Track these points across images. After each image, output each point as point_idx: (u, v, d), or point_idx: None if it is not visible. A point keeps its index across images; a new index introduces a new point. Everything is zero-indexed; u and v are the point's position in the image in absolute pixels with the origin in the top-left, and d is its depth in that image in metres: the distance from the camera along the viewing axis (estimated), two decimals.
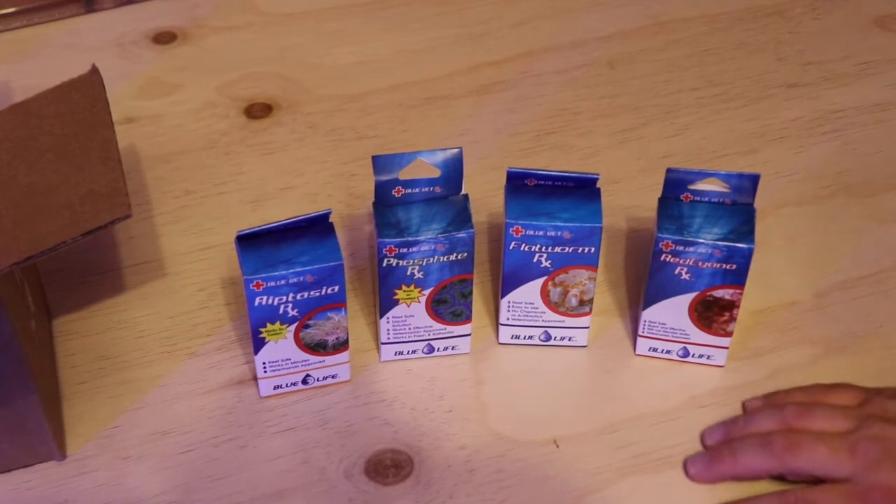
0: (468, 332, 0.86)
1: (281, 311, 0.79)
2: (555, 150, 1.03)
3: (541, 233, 0.81)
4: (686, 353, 0.86)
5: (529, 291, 0.84)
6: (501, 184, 0.83)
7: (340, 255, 0.78)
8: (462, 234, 0.80)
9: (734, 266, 0.80)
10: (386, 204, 0.82)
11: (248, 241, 0.78)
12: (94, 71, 0.82)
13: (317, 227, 0.79)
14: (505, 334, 0.87)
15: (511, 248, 0.82)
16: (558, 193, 0.82)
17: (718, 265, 0.80)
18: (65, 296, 0.91)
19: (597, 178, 0.82)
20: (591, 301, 0.85)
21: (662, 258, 0.81)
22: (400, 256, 0.80)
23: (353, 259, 0.93)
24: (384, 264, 0.81)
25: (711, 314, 0.83)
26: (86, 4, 1.17)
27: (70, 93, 0.81)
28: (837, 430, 0.77)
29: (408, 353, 0.86)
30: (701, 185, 0.81)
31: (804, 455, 0.76)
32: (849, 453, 0.75)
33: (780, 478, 0.78)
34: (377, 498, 0.79)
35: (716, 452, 0.79)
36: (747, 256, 0.80)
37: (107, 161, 0.76)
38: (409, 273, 0.81)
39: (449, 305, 0.84)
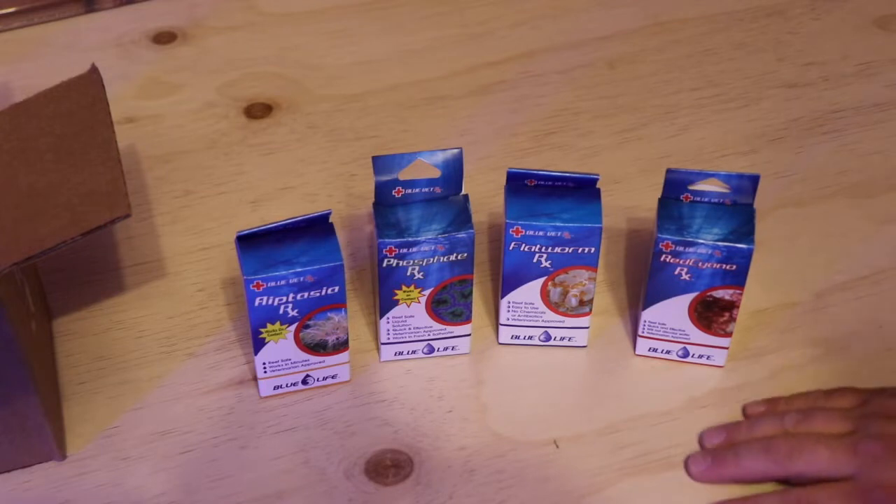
0: (468, 333, 0.86)
1: (281, 311, 0.79)
2: (555, 150, 1.03)
3: (541, 233, 0.81)
4: (686, 354, 0.86)
5: (529, 292, 0.84)
6: (501, 184, 0.83)
7: (340, 256, 0.78)
8: (462, 235, 0.80)
9: (734, 266, 0.80)
10: (386, 204, 0.82)
11: (248, 242, 0.78)
12: (94, 70, 0.82)
13: (317, 228, 0.79)
14: (505, 334, 0.87)
15: (511, 248, 0.82)
16: (558, 194, 0.82)
17: (718, 265, 0.80)
18: (65, 296, 0.91)
19: (597, 179, 0.82)
20: (590, 301, 0.85)
21: (662, 258, 0.81)
22: (400, 257, 0.80)
23: (353, 259, 0.93)
24: (384, 265, 0.81)
25: (711, 314, 0.83)
26: (86, 4, 1.17)
27: (69, 92, 0.81)
28: (838, 431, 0.77)
29: (408, 353, 0.86)
30: (701, 186, 0.81)
31: (805, 458, 0.76)
32: (850, 453, 0.75)
33: (783, 481, 0.78)
34: (377, 498, 0.79)
35: (719, 454, 0.79)
36: (747, 257, 0.80)
37: (107, 161, 0.75)
38: (409, 273, 0.81)
39: (449, 306, 0.84)
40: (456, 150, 0.81)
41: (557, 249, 0.81)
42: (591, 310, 0.85)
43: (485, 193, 0.96)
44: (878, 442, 0.75)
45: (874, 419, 0.76)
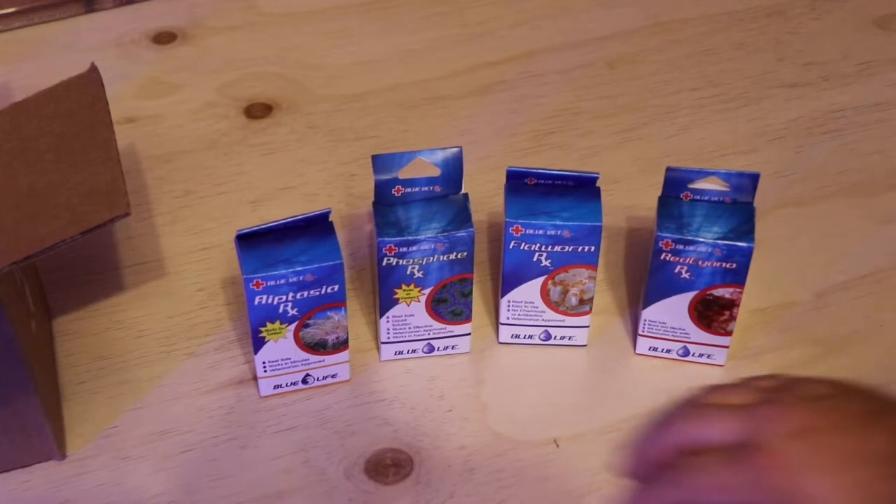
0: (468, 332, 0.86)
1: (281, 310, 0.79)
2: (555, 150, 1.03)
3: (541, 232, 0.81)
4: (686, 353, 0.86)
5: (529, 291, 0.84)
6: (501, 183, 0.83)
7: (340, 255, 0.78)
8: (462, 234, 0.80)
9: (734, 265, 0.80)
10: (386, 203, 0.82)
11: (248, 241, 0.78)
12: (93, 69, 0.82)
13: (316, 227, 0.79)
14: (505, 334, 0.87)
15: (511, 247, 0.82)
16: (558, 192, 0.82)
17: (718, 264, 0.80)
18: (65, 296, 0.91)
19: (596, 177, 0.81)
20: (590, 300, 0.85)
21: (662, 257, 0.81)
22: (400, 255, 0.80)
23: (353, 259, 0.93)
24: (384, 263, 0.81)
25: (711, 313, 0.83)
26: (86, 4, 1.17)
27: (69, 92, 0.81)
28: (743, 402, 0.68)
29: (407, 352, 0.86)
30: (701, 184, 0.81)
31: (696, 422, 0.68)
32: (743, 418, 0.67)
33: None
34: (377, 498, 0.79)
35: None
36: (747, 255, 0.80)
37: (106, 161, 0.75)
38: (408, 272, 0.81)
39: (449, 305, 0.84)
40: (456, 149, 0.81)
41: (557, 248, 0.81)
42: (591, 309, 0.85)
43: (485, 193, 0.96)
44: (773, 407, 0.66)
45: (784, 394, 0.68)
